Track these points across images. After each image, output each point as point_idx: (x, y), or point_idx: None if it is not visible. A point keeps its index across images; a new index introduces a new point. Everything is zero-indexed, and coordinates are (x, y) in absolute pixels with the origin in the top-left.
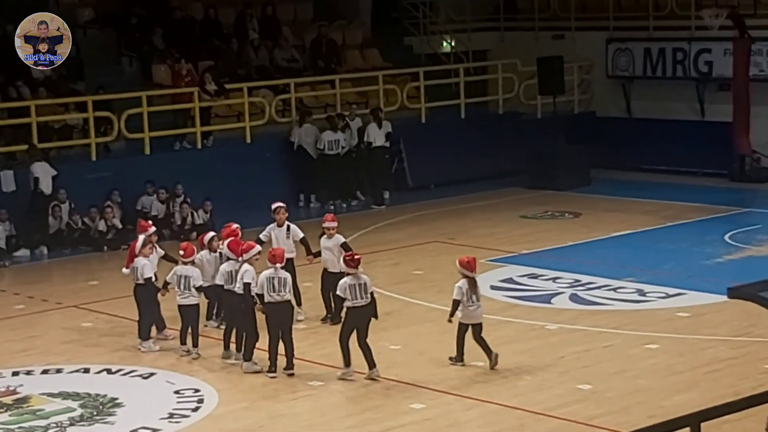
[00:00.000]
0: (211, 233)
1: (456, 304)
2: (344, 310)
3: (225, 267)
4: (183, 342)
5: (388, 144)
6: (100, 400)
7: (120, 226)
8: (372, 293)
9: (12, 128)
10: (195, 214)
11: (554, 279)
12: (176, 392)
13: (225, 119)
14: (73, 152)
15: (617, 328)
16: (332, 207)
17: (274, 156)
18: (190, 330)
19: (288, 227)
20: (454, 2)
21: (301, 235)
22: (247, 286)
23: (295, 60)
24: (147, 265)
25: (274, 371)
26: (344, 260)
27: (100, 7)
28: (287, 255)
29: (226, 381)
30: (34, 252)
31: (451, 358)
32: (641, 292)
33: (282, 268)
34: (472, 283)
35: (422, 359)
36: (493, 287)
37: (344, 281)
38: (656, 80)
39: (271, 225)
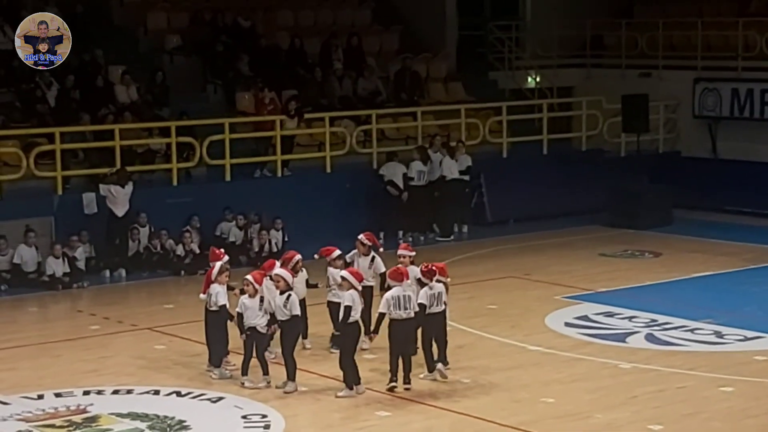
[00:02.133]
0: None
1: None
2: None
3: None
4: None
5: (466, 178)
6: (168, 422)
7: (198, 251)
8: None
9: (96, 151)
10: (271, 242)
11: (630, 318)
12: (243, 417)
13: (306, 148)
14: (155, 177)
15: (692, 369)
16: (410, 239)
17: (353, 186)
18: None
19: (372, 258)
20: (541, 38)
21: (382, 270)
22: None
23: (378, 92)
24: (221, 293)
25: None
26: (421, 271)
27: (187, 34)
28: (367, 282)
29: (294, 407)
30: (113, 274)
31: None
32: (719, 334)
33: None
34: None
35: (492, 393)
36: (567, 324)
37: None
38: (743, 121)
39: (355, 251)
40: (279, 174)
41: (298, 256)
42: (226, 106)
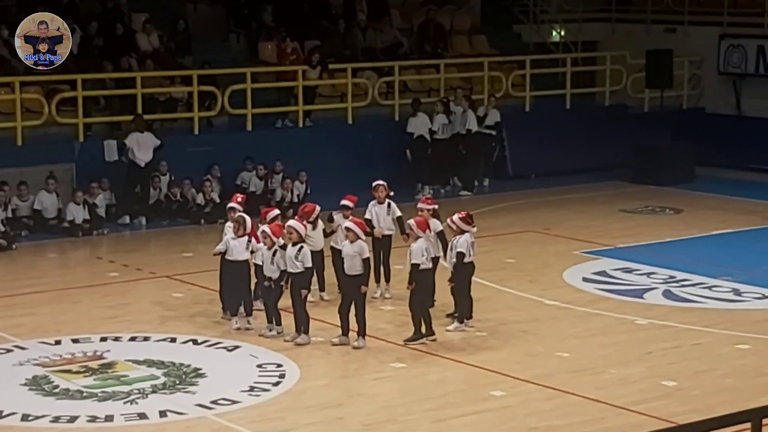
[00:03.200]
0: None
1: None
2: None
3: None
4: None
5: (493, 132)
6: (184, 369)
7: (218, 200)
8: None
9: (118, 99)
10: (293, 192)
11: (648, 274)
12: (259, 366)
13: (328, 99)
14: (177, 125)
15: (709, 326)
16: (431, 192)
17: (374, 138)
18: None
19: (389, 204)
20: None
21: (399, 213)
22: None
23: (399, 43)
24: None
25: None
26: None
27: None
28: (386, 232)
29: (310, 357)
30: (133, 222)
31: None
32: (737, 292)
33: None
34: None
35: (508, 347)
36: (585, 279)
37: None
38: None
39: (372, 202)
40: (300, 125)
41: (318, 208)
42: (249, 56)
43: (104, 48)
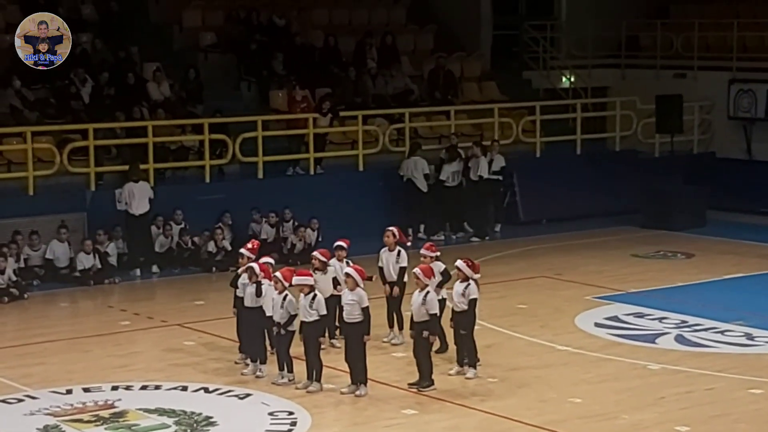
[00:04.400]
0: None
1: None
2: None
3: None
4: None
5: (500, 177)
6: (195, 417)
7: (229, 248)
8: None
9: (129, 147)
10: (305, 240)
11: (661, 319)
12: (270, 414)
13: (339, 146)
14: (188, 173)
15: (722, 371)
16: (442, 238)
17: (386, 185)
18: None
19: (399, 252)
20: (576, 38)
21: (404, 264)
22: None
23: (410, 90)
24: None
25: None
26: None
27: (222, 32)
28: (394, 278)
29: (322, 405)
30: (142, 271)
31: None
32: (749, 336)
33: None
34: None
35: (520, 393)
36: (597, 324)
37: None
38: None
39: (384, 249)
40: (312, 172)
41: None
42: (260, 104)
43: (116, 97)
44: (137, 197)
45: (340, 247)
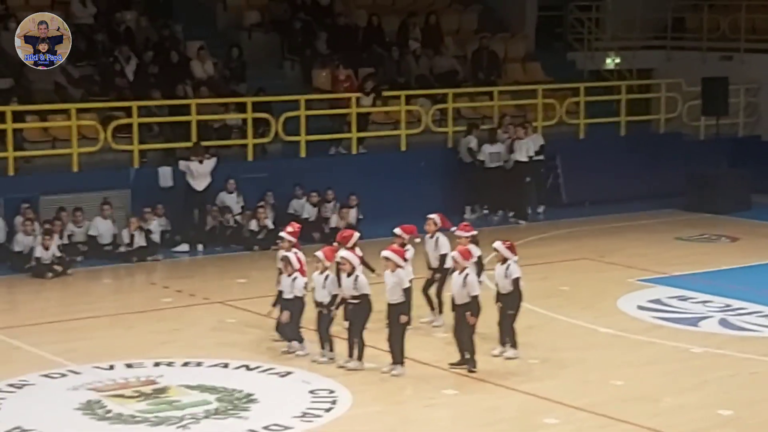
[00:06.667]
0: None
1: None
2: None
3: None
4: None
5: (541, 158)
6: (236, 395)
7: (272, 227)
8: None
9: (172, 126)
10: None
11: (704, 302)
12: (311, 392)
13: (381, 126)
14: (231, 152)
15: (766, 355)
16: (495, 218)
17: (428, 165)
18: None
19: (437, 239)
20: (622, 20)
21: (443, 251)
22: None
23: (455, 70)
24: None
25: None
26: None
27: (266, 10)
28: (434, 264)
29: (363, 384)
30: (190, 248)
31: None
32: None
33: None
34: None
35: (561, 375)
36: (640, 307)
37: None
38: None
39: (426, 234)
40: (354, 151)
41: (357, 235)
42: (303, 83)
43: (159, 75)
44: (200, 175)
45: (396, 235)
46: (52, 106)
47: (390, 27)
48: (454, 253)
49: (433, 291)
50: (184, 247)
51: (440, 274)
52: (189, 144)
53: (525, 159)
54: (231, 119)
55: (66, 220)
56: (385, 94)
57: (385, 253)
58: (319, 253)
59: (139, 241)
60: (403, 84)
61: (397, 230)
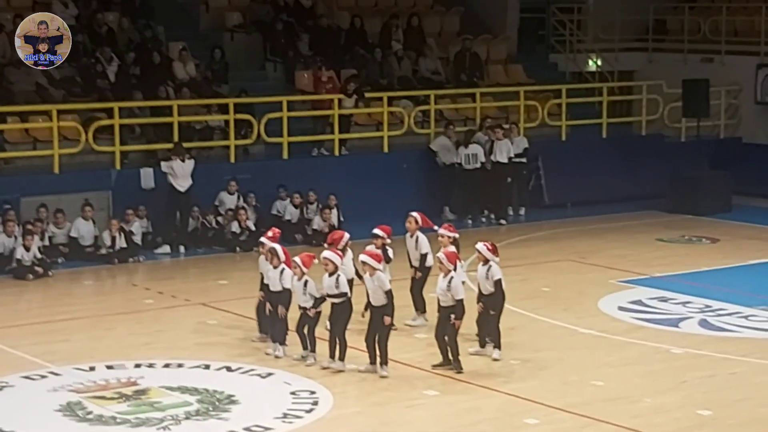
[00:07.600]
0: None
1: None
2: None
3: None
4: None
5: (523, 160)
6: (217, 396)
7: (254, 229)
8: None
9: (154, 127)
10: (329, 221)
11: (684, 303)
12: (292, 393)
13: (364, 128)
14: (213, 153)
15: (745, 355)
16: (470, 221)
17: (410, 167)
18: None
19: (417, 238)
20: (603, 22)
21: (424, 250)
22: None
23: (437, 72)
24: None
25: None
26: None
27: (248, 12)
28: (414, 264)
29: (344, 384)
30: (172, 249)
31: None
32: None
33: None
34: None
35: (542, 375)
36: (620, 308)
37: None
38: None
39: (407, 234)
40: (336, 153)
41: (347, 236)
42: (285, 85)
43: (141, 77)
44: (182, 175)
45: (376, 236)
46: (33, 107)
47: (372, 29)
48: (440, 256)
49: (416, 290)
50: (166, 248)
51: (421, 273)
52: (170, 146)
53: (505, 160)
54: (213, 120)
55: (47, 222)
56: (368, 95)
57: (362, 257)
58: (297, 259)
59: (121, 242)
60: (386, 85)
61: (377, 231)
